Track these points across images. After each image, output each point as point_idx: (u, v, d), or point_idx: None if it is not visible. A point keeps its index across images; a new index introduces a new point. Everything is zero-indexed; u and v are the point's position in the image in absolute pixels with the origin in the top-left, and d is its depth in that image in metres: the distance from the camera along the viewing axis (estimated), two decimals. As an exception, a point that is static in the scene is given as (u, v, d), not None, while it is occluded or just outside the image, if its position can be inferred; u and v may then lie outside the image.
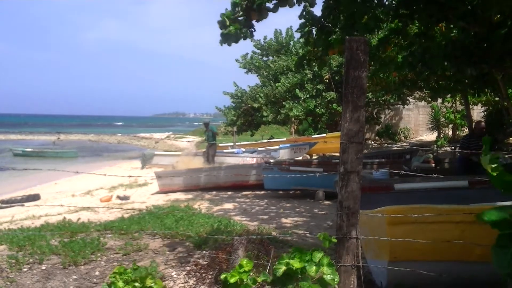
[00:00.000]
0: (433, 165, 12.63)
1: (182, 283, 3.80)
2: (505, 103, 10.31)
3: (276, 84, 22.02)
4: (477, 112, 20.05)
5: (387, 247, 3.10)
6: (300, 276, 2.38)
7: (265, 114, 22.55)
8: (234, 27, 5.30)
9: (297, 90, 21.32)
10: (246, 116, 24.36)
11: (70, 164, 21.78)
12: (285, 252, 2.70)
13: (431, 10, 5.79)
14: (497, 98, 12.75)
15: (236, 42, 5.49)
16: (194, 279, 3.80)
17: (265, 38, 24.70)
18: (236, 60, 24.73)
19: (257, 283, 2.54)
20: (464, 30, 6.64)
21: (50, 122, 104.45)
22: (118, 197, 11.20)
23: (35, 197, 12.34)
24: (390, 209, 3.10)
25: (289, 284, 2.37)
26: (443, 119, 21.10)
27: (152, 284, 2.68)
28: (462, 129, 20.34)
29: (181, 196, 10.90)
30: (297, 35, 16.51)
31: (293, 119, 22.75)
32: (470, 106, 14.16)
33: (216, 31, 5.68)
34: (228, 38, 5.44)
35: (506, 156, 7.80)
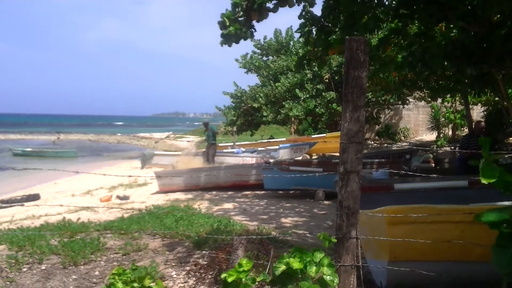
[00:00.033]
0: (433, 165, 12.64)
1: (182, 283, 3.80)
2: (505, 103, 10.31)
3: (276, 84, 22.02)
4: (477, 112, 20.06)
5: (387, 247, 3.10)
6: (300, 276, 2.38)
7: (265, 114, 22.55)
8: (234, 27, 5.29)
9: (297, 90, 21.32)
10: (246, 116, 24.36)
11: (70, 164, 21.78)
12: (285, 252, 2.70)
13: (431, 10, 5.79)
14: (497, 98, 12.75)
15: (237, 42, 5.49)
16: (194, 279, 3.80)
17: (265, 38, 24.71)
18: (236, 60, 24.74)
19: (257, 283, 2.54)
20: (464, 30, 6.63)
21: (50, 122, 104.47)
22: (118, 197, 11.20)
23: (35, 197, 12.34)
24: (390, 209, 3.10)
25: (289, 283, 2.37)
26: (443, 119, 21.10)
27: (152, 284, 2.68)
28: (462, 129, 20.34)
29: (181, 196, 10.90)
30: (297, 35, 16.54)
31: (293, 119, 22.76)
32: (470, 106, 14.15)
33: (216, 31, 5.68)
34: (228, 39, 5.43)
35: (506, 156, 7.79)
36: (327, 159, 14.20)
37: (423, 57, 6.70)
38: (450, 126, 21.17)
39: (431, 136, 22.98)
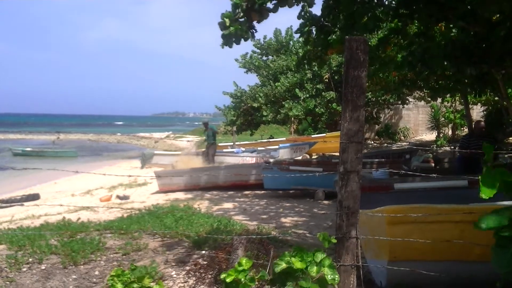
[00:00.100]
0: (433, 164, 12.64)
1: (182, 282, 3.80)
2: (504, 102, 10.31)
3: (276, 84, 22.02)
4: (477, 112, 20.07)
5: (387, 247, 3.10)
6: (300, 275, 2.38)
7: (264, 113, 22.55)
8: (235, 27, 5.29)
9: (296, 90, 21.33)
10: (246, 116, 24.37)
11: (69, 164, 21.77)
12: (285, 251, 2.70)
13: (431, 10, 5.79)
14: (496, 98, 12.75)
15: (238, 43, 5.47)
16: (194, 278, 3.80)
17: (264, 37, 24.72)
18: (236, 60, 24.74)
19: (256, 283, 2.54)
20: (464, 30, 6.64)
21: (50, 121, 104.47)
22: (118, 197, 11.20)
23: (34, 197, 12.34)
24: (390, 208, 3.10)
25: (289, 282, 2.37)
26: (443, 118, 21.11)
27: (152, 284, 2.68)
28: (462, 128, 20.35)
29: (180, 195, 10.90)
30: (296, 35, 16.52)
31: (292, 118, 22.76)
32: (470, 106, 14.14)
33: (216, 31, 5.67)
34: (229, 39, 5.42)
35: (506, 156, 7.80)
36: (327, 159, 14.20)
37: (423, 57, 6.70)
38: (450, 126, 21.18)
39: (431, 136, 22.98)
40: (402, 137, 24.85)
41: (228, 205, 9.28)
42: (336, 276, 2.36)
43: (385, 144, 22.37)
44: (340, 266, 2.47)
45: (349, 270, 2.50)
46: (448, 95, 14.99)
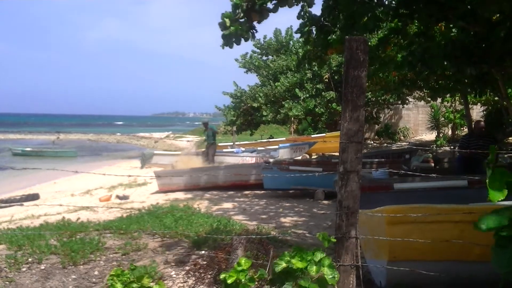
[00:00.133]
0: (433, 164, 12.63)
1: (181, 282, 3.80)
2: (504, 102, 10.31)
3: (276, 84, 22.02)
4: (477, 112, 20.07)
5: (386, 247, 3.10)
6: (299, 275, 2.38)
7: (264, 113, 22.56)
8: (235, 27, 5.28)
9: (296, 90, 21.33)
10: (246, 116, 24.37)
11: (69, 164, 21.77)
12: (285, 251, 2.70)
13: (431, 9, 5.79)
14: (496, 98, 12.76)
15: (238, 43, 5.47)
16: (193, 278, 3.80)
17: (264, 37, 24.73)
18: (236, 60, 24.75)
19: (256, 283, 2.54)
20: (464, 30, 6.64)
21: (50, 121, 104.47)
22: (118, 197, 11.20)
23: (34, 197, 12.33)
24: (390, 208, 3.10)
25: (288, 282, 2.36)
26: (443, 118, 21.12)
27: (152, 284, 2.68)
28: (462, 128, 20.35)
29: (180, 195, 10.90)
30: (296, 35, 16.54)
31: (292, 118, 22.76)
32: (470, 106, 14.15)
33: (216, 31, 5.67)
34: (229, 39, 5.41)
35: (506, 155, 7.80)
36: (326, 159, 14.20)
37: (423, 57, 6.70)
38: (449, 125, 21.18)
39: (430, 136, 22.99)
40: (402, 137, 24.85)
41: (227, 205, 9.28)
42: (336, 275, 2.35)
43: (385, 144, 22.37)
44: (339, 266, 2.47)
45: (348, 270, 2.50)
46: (448, 95, 15.01)
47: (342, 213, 2.48)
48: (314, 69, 19.93)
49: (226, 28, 5.30)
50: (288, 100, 21.56)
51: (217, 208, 8.85)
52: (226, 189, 11.34)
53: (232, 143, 19.88)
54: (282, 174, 10.16)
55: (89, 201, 11.10)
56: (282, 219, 7.55)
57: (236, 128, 23.06)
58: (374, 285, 3.45)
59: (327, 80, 20.60)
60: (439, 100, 18.15)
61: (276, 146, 17.76)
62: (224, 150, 17.48)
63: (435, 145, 18.69)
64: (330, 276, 2.33)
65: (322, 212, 8.22)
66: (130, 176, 9.46)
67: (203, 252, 4.34)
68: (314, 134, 20.58)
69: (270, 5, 5.37)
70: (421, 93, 17.19)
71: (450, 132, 21.35)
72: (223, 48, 5.57)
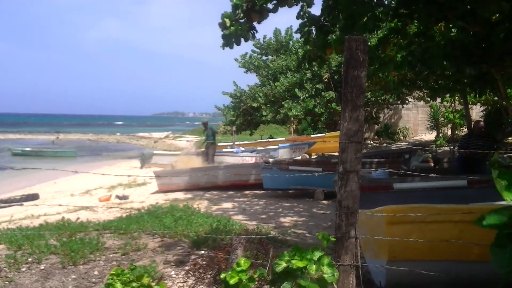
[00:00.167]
0: (432, 164, 12.64)
1: (181, 282, 3.80)
2: (504, 102, 10.31)
3: (275, 84, 22.02)
4: (476, 112, 20.07)
5: (386, 247, 3.10)
6: (299, 274, 2.38)
7: (264, 113, 22.55)
8: (235, 27, 5.28)
9: (296, 90, 21.33)
10: (245, 116, 24.37)
11: (69, 164, 21.77)
12: (285, 251, 2.71)
13: (431, 9, 5.79)
14: (496, 98, 12.76)
15: (238, 44, 5.47)
16: (193, 278, 3.80)
17: (264, 37, 24.72)
18: (236, 60, 24.74)
19: (256, 283, 2.54)
20: (464, 30, 6.63)
21: (50, 121, 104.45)
22: (117, 197, 11.20)
23: (34, 197, 12.33)
24: (389, 208, 3.10)
25: (287, 281, 2.36)
26: (442, 118, 21.11)
27: (152, 283, 2.68)
28: (461, 128, 20.36)
29: (180, 195, 10.90)
30: (296, 35, 16.53)
31: (292, 118, 22.76)
32: (469, 106, 14.16)
33: (216, 31, 5.67)
34: (229, 39, 5.42)
35: (505, 155, 7.80)
36: (326, 159, 14.20)
37: (423, 57, 6.70)
38: (449, 125, 21.18)
39: (430, 136, 22.99)
40: (402, 137, 24.85)
41: (227, 205, 9.28)
42: (335, 273, 2.35)
43: (385, 144, 22.37)
44: (339, 266, 2.47)
45: (348, 270, 2.50)
46: (447, 95, 15.01)
47: (341, 213, 2.48)
48: (313, 69, 19.92)
49: (226, 28, 5.30)
50: (287, 100, 21.56)
51: (217, 208, 8.85)
52: (225, 189, 11.34)
53: (231, 143, 19.88)
54: (281, 174, 10.16)
55: (88, 201, 11.09)
56: (282, 219, 7.55)
57: (235, 128, 23.06)
58: (373, 285, 3.45)
59: (326, 80, 20.60)
60: (438, 100, 18.15)
61: (276, 146, 17.76)
62: (224, 150, 17.49)
63: (434, 145, 18.70)
64: (330, 275, 2.33)
65: (322, 212, 8.22)
66: (129, 176, 9.46)
67: (202, 252, 4.34)
68: (313, 134, 20.58)
69: (270, 5, 5.38)
70: (420, 93, 17.18)
71: (449, 132, 21.35)
72: (223, 48, 5.57)
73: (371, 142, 23.54)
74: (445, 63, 6.55)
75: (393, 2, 6.66)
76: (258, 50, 25.01)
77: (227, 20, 5.28)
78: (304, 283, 2.29)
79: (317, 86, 21.25)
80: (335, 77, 20.16)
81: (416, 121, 25.92)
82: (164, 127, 76.66)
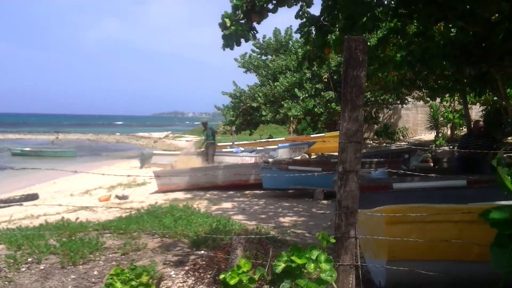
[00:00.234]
0: (432, 164, 12.64)
1: (181, 282, 3.80)
2: (503, 102, 10.32)
3: (275, 84, 22.02)
4: (476, 112, 20.07)
5: (386, 247, 3.10)
6: (299, 274, 2.37)
7: (264, 113, 22.55)
8: (235, 27, 5.29)
9: (296, 90, 21.33)
10: (245, 116, 24.36)
11: (68, 164, 21.76)
12: (284, 251, 2.71)
13: (430, 9, 5.79)
14: (495, 98, 12.76)
15: (238, 44, 5.47)
16: (193, 278, 3.80)
17: (264, 37, 24.72)
18: (235, 60, 24.75)
19: (256, 283, 2.54)
20: (463, 30, 6.64)
21: (50, 121, 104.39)
22: (117, 197, 11.19)
23: (33, 197, 12.32)
24: (389, 208, 3.10)
25: (286, 281, 2.36)
26: (442, 118, 21.11)
27: (151, 282, 2.68)
28: (461, 128, 20.35)
29: (179, 195, 10.90)
30: (296, 35, 16.53)
31: (291, 118, 22.76)
32: (469, 106, 14.16)
33: (216, 31, 5.68)
34: (229, 40, 5.42)
35: (505, 155, 7.80)
36: (326, 159, 14.21)
37: (422, 57, 6.70)
38: (448, 125, 21.18)
39: (429, 136, 23.00)
40: (401, 137, 24.85)
41: (227, 205, 9.28)
42: (333, 272, 2.35)
43: (384, 144, 22.36)
44: (339, 266, 2.47)
45: (348, 269, 2.50)
46: (447, 95, 15.01)
47: (341, 213, 2.48)
48: (313, 69, 19.92)
49: (227, 28, 5.30)
50: (287, 100, 21.56)
51: (217, 208, 8.85)
52: (225, 189, 11.34)
53: (231, 143, 19.88)
54: (281, 174, 10.16)
55: (88, 201, 11.09)
56: (281, 219, 7.55)
57: (235, 128, 23.05)
58: (373, 285, 3.45)
59: (326, 80, 20.60)
60: (438, 100, 18.16)
61: (275, 146, 17.76)
62: (224, 150, 17.48)
63: (434, 145, 18.70)
64: (328, 273, 2.33)
65: (321, 212, 8.22)
66: (129, 176, 9.47)
67: (202, 252, 4.35)
68: (313, 134, 20.57)
69: (269, 6, 5.38)
70: (420, 93, 17.20)
71: (449, 132, 21.35)
72: (224, 49, 5.57)
73: (371, 142, 23.53)
74: (444, 63, 6.55)
75: (392, 2, 6.66)
76: (257, 50, 25.02)
77: (227, 21, 5.29)
78: (302, 282, 2.29)
79: (317, 86, 21.25)
80: (335, 77, 20.15)
81: (415, 121, 25.93)
82: (163, 127, 76.64)
